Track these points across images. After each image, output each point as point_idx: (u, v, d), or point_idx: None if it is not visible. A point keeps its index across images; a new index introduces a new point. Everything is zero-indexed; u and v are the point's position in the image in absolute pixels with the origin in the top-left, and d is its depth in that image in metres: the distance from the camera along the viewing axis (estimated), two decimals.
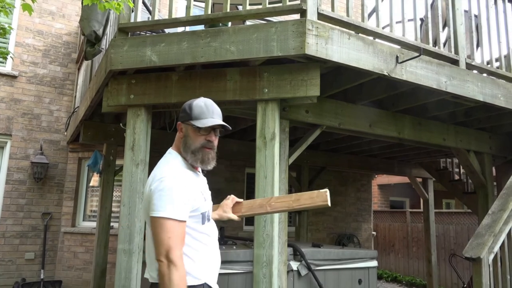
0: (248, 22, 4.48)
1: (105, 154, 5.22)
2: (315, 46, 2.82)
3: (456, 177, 6.98)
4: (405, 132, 4.23)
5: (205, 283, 1.79)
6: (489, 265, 3.07)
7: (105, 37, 3.80)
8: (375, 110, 4.06)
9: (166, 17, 3.43)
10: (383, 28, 3.36)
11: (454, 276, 7.82)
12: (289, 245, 3.73)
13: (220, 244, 2.05)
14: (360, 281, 4.18)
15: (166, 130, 4.87)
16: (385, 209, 11.53)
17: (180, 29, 4.31)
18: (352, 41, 2.99)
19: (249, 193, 7.09)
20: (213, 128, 1.85)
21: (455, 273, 7.51)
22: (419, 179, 7.78)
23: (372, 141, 5.58)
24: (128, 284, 3.13)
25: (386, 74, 3.12)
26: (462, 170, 6.86)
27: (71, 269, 6.45)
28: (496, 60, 4.13)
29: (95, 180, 6.92)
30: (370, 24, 3.29)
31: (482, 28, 4.00)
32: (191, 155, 1.83)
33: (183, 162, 1.86)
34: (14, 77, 6.71)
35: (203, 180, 1.97)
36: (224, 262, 2.33)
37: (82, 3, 3.27)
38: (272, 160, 3.03)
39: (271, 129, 3.06)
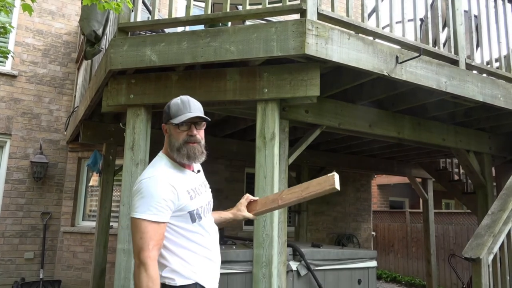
0: (248, 22, 4.48)
1: (105, 153, 5.22)
2: (315, 46, 2.82)
3: (456, 177, 6.98)
4: (404, 132, 4.23)
5: (197, 283, 1.79)
6: (488, 266, 3.07)
7: (105, 36, 3.80)
8: (375, 110, 4.06)
9: (166, 17, 3.43)
10: (383, 28, 3.36)
11: (453, 276, 7.82)
12: (288, 245, 3.73)
13: (219, 244, 2.03)
14: (359, 281, 4.18)
15: None
16: (385, 209, 11.53)
17: (180, 29, 4.31)
18: (352, 41, 2.99)
19: (249, 193, 7.06)
20: (193, 122, 1.85)
21: (455, 274, 7.52)
22: (419, 179, 7.78)
23: (372, 141, 5.58)
24: (127, 284, 3.13)
25: (386, 74, 3.12)
26: (461, 170, 6.86)
27: (71, 269, 6.45)
28: (496, 60, 4.13)
29: (94, 179, 6.91)
30: (370, 24, 3.29)
31: (482, 29, 4.00)
32: (176, 152, 1.84)
33: (168, 162, 1.86)
34: (14, 76, 6.70)
35: (195, 178, 1.94)
36: (223, 262, 2.32)
37: (81, 3, 3.27)
38: (272, 160, 3.03)
39: (270, 129, 3.06)
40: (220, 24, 3.72)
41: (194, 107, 1.86)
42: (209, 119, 1.89)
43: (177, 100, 1.88)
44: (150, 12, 3.73)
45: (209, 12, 3.20)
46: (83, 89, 5.55)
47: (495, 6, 4.13)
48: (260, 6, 3.13)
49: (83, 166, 6.89)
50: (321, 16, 2.98)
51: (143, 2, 4.00)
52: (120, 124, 4.43)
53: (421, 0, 3.69)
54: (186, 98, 1.89)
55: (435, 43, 3.89)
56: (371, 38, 3.25)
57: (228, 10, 3.13)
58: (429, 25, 3.63)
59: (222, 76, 3.20)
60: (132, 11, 3.39)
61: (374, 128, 4.02)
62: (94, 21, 3.61)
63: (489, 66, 4.03)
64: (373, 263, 4.34)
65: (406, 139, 4.36)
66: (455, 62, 3.66)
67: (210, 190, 2.06)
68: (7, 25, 4.26)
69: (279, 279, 3.12)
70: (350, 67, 3.02)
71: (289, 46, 2.84)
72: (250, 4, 3.35)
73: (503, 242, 3.25)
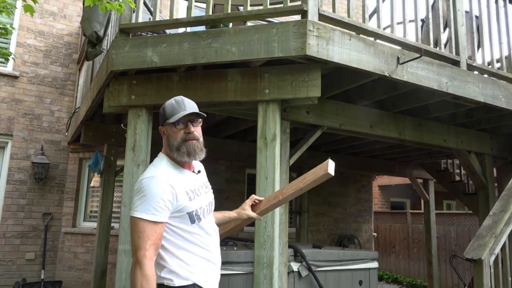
0: (249, 23, 4.49)
1: (106, 154, 5.22)
2: (316, 47, 2.82)
3: (457, 178, 6.97)
4: (406, 133, 4.22)
5: (195, 284, 1.79)
6: (490, 267, 3.07)
7: (106, 37, 3.80)
8: (376, 111, 4.06)
9: (167, 17, 3.43)
10: (384, 29, 3.36)
11: (455, 277, 7.80)
12: (289, 246, 3.72)
13: (220, 245, 2.03)
14: (360, 282, 4.17)
15: None
16: (386, 210, 11.52)
17: (181, 30, 4.32)
18: (353, 42, 2.99)
19: (250, 194, 7.04)
20: (189, 120, 1.87)
21: (456, 274, 7.51)
22: (420, 180, 7.77)
23: (373, 142, 5.58)
24: (128, 285, 3.13)
25: (387, 75, 3.12)
26: (463, 171, 6.85)
27: (72, 270, 6.45)
28: (497, 61, 4.12)
29: (95, 180, 6.92)
30: (371, 25, 3.29)
31: (483, 29, 4.00)
32: (176, 151, 1.85)
33: (168, 163, 1.87)
34: (15, 77, 6.72)
35: (195, 179, 1.94)
36: (224, 263, 2.33)
37: (83, 3, 3.27)
38: (273, 161, 3.03)
39: (272, 130, 3.06)
40: (221, 25, 3.72)
41: (188, 106, 1.88)
42: (205, 115, 1.91)
43: (171, 101, 1.91)
44: (151, 13, 3.74)
45: (210, 13, 3.21)
46: (84, 90, 5.56)
47: (496, 7, 4.13)
48: (261, 7, 3.13)
49: (84, 167, 6.89)
50: (322, 17, 2.98)
51: (145, 3, 4.00)
52: (122, 125, 4.44)
53: (422, 1, 3.69)
54: (180, 98, 1.91)
55: (436, 44, 3.89)
56: (372, 39, 3.26)
57: (229, 11, 3.14)
58: (430, 26, 3.63)
59: (223, 77, 3.20)
60: (134, 12, 3.39)
61: (375, 129, 4.01)
62: (96, 22, 3.62)
63: (490, 66, 4.02)
64: (374, 264, 4.33)
65: (407, 140, 4.35)
66: (456, 63, 3.66)
67: (211, 191, 2.06)
68: (8, 26, 4.28)
69: (280, 280, 3.12)
70: (351, 68, 3.02)
71: (290, 47, 2.84)
72: (251, 5, 3.35)
73: (504, 243, 3.25)
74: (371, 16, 4.98)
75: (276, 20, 4.57)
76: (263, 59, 2.96)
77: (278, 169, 3.06)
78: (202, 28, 3.80)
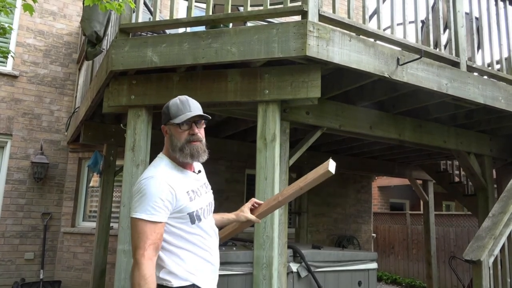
0: (249, 24, 4.49)
1: (105, 154, 5.22)
2: (316, 48, 2.82)
3: (456, 179, 6.97)
4: (405, 134, 4.23)
5: (194, 284, 1.78)
6: (489, 268, 3.07)
7: (106, 37, 3.80)
8: (376, 112, 4.06)
9: (167, 18, 3.43)
10: (384, 30, 3.36)
11: (454, 278, 7.81)
12: (289, 247, 3.72)
13: (219, 245, 2.03)
14: (360, 283, 4.17)
15: None
16: (385, 211, 11.52)
17: (181, 30, 4.32)
18: (353, 42, 2.99)
19: (249, 195, 7.08)
20: (193, 121, 1.86)
21: (455, 276, 7.51)
22: (419, 181, 7.77)
23: (373, 142, 5.58)
24: (127, 285, 3.13)
25: (387, 76, 3.12)
26: (462, 172, 6.85)
27: (71, 269, 6.44)
28: (497, 62, 4.12)
29: (95, 180, 6.91)
30: (371, 26, 3.29)
31: (483, 31, 4.00)
32: (179, 152, 1.83)
33: (169, 163, 1.86)
34: (15, 77, 6.71)
35: (196, 179, 1.94)
36: (223, 264, 2.33)
37: (83, 3, 3.27)
38: (273, 162, 3.03)
39: (271, 131, 3.06)
40: (222, 25, 3.72)
41: (193, 106, 1.87)
42: (210, 117, 1.90)
43: (176, 101, 1.89)
44: (151, 13, 3.74)
45: (211, 13, 3.21)
46: (84, 89, 5.56)
47: (496, 8, 4.13)
48: (261, 8, 3.13)
49: (83, 167, 6.89)
50: (322, 18, 2.98)
51: (145, 3, 4.00)
52: (121, 125, 4.44)
53: (422, 2, 3.69)
54: (184, 98, 1.90)
55: (436, 45, 3.89)
56: (372, 40, 3.26)
57: (229, 11, 3.13)
58: (430, 27, 3.63)
59: (223, 77, 3.20)
60: (134, 12, 3.39)
61: (375, 130, 4.01)
62: (96, 21, 3.62)
63: (490, 68, 4.03)
64: (374, 265, 4.33)
65: (407, 141, 4.35)
66: (456, 64, 3.66)
67: (211, 191, 2.05)
68: (6, 25, 4.27)
69: (280, 281, 3.12)
70: (351, 69, 3.02)
71: (290, 47, 2.84)
72: (251, 6, 3.35)
73: (504, 244, 3.25)
74: (371, 17, 4.99)
75: (276, 20, 4.58)
76: (263, 59, 2.96)
77: (278, 169, 3.06)
78: (202, 28, 3.80)
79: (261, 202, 2.20)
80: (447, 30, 3.86)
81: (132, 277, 1.64)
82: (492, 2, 4.11)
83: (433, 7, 4.00)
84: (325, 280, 3.96)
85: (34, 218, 6.54)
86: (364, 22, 3.23)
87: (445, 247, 8.29)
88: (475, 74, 3.80)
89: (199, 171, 2.01)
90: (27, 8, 3.30)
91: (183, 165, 1.89)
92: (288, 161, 3.38)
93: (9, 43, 6.74)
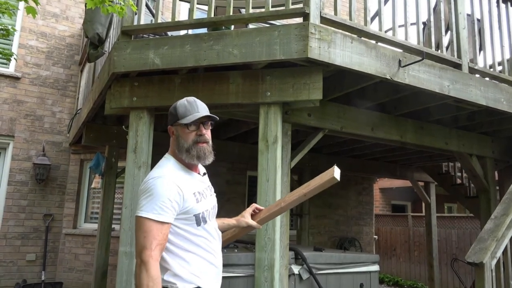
0: (251, 26, 4.50)
1: (107, 156, 5.22)
2: (317, 50, 2.82)
3: (458, 181, 6.96)
4: (407, 136, 4.22)
5: (199, 287, 1.77)
6: (491, 270, 3.05)
7: (108, 39, 3.81)
8: (377, 114, 4.06)
9: (169, 20, 3.44)
10: (385, 32, 3.36)
11: (456, 280, 7.78)
12: (290, 249, 3.72)
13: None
14: (361, 286, 4.16)
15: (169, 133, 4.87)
16: (387, 213, 11.50)
17: (182, 32, 4.32)
18: (354, 44, 2.99)
19: (251, 196, 7.08)
20: (201, 122, 1.85)
21: (457, 278, 7.48)
22: (421, 183, 7.76)
23: (374, 144, 5.57)
24: (129, 287, 3.13)
25: (389, 78, 3.12)
26: (464, 174, 6.84)
27: (72, 271, 6.44)
28: (499, 64, 4.12)
29: (96, 182, 6.92)
30: (373, 27, 3.29)
31: (485, 32, 4.00)
32: (186, 153, 1.83)
33: (176, 164, 1.85)
34: (17, 78, 6.73)
35: (201, 181, 1.94)
36: (225, 266, 2.32)
37: (85, 5, 3.28)
38: (274, 163, 3.02)
39: (273, 132, 3.06)
40: (223, 27, 3.72)
41: (201, 107, 1.87)
42: (218, 118, 1.90)
43: (183, 101, 1.88)
44: (153, 15, 3.75)
45: (212, 15, 3.21)
46: (86, 91, 5.57)
47: (498, 10, 4.13)
48: (263, 10, 3.13)
49: (85, 168, 6.90)
50: (324, 20, 2.98)
51: (147, 6, 4.01)
52: (123, 126, 4.44)
53: (424, 4, 3.69)
54: (192, 99, 1.90)
55: (438, 47, 3.89)
56: (373, 41, 3.26)
57: (231, 13, 3.14)
58: (432, 29, 3.63)
59: (225, 79, 3.21)
60: (136, 14, 3.40)
61: (376, 132, 4.01)
62: (98, 24, 3.63)
63: (492, 70, 4.02)
64: (376, 267, 4.32)
65: (408, 142, 4.35)
66: (458, 66, 3.66)
67: (214, 194, 2.05)
68: (9, 27, 4.29)
69: (281, 283, 3.11)
70: (352, 71, 3.02)
71: (292, 49, 2.84)
72: (253, 8, 3.36)
73: (506, 247, 3.24)
74: (372, 19, 4.99)
75: (278, 22, 4.58)
76: (265, 61, 2.97)
77: (280, 171, 3.06)
78: (204, 30, 3.80)
79: (262, 207, 2.18)
80: (449, 32, 3.85)
81: (138, 278, 1.60)
82: (494, 4, 4.11)
83: (434, 8, 4.00)
84: (326, 282, 3.95)
85: (35, 219, 6.55)
86: (365, 24, 3.22)
87: (447, 249, 8.27)
88: (477, 76, 3.80)
89: (204, 173, 2.01)
90: (30, 10, 3.31)
91: (189, 166, 1.88)
92: (290, 163, 3.38)
93: (11, 45, 6.77)
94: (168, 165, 1.84)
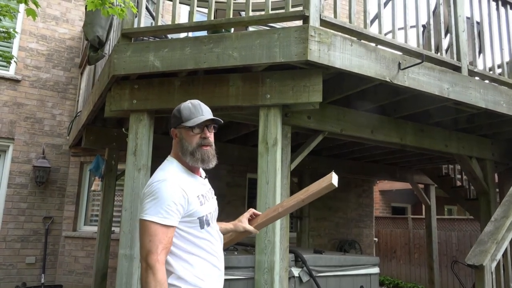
0: (250, 28, 4.50)
1: (107, 158, 5.22)
2: (317, 52, 2.83)
3: (458, 183, 6.96)
4: (407, 138, 4.22)
5: None
6: (491, 273, 3.05)
7: (108, 42, 3.82)
8: (377, 116, 4.06)
9: (169, 22, 3.45)
10: (385, 34, 3.37)
11: (456, 283, 7.77)
12: (290, 251, 3.72)
13: None
14: None
15: (169, 135, 4.87)
16: (387, 215, 11.50)
17: (182, 35, 4.33)
18: (354, 47, 3.00)
19: (251, 199, 7.08)
20: (205, 125, 1.85)
21: (457, 280, 7.47)
22: (421, 185, 7.76)
23: (374, 147, 5.57)
24: None
25: (389, 80, 3.13)
26: (464, 177, 6.84)
27: (72, 274, 6.43)
28: (498, 66, 4.12)
29: (96, 184, 6.92)
30: (373, 30, 3.30)
31: (484, 35, 4.01)
32: (190, 156, 1.82)
33: (179, 166, 1.85)
34: (17, 81, 6.74)
35: (203, 184, 1.94)
36: (225, 268, 2.31)
37: (85, 8, 3.29)
38: (274, 166, 3.03)
39: (273, 135, 3.06)
40: (223, 30, 3.73)
41: (205, 110, 1.87)
42: (222, 121, 1.90)
43: (187, 104, 1.88)
44: (153, 18, 3.76)
45: (212, 18, 3.22)
46: (86, 94, 5.57)
47: (498, 13, 4.14)
48: (263, 13, 3.14)
49: (85, 171, 6.90)
50: (324, 23, 2.99)
51: (147, 8, 4.02)
52: (123, 129, 4.45)
53: (424, 7, 3.70)
54: (196, 101, 1.90)
55: (438, 49, 3.90)
56: (373, 44, 3.26)
57: (231, 16, 3.15)
58: (432, 32, 3.64)
59: (224, 82, 3.21)
60: (136, 17, 3.41)
61: (376, 134, 4.01)
62: (98, 26, 3.64)
63: (491, 72, 4.03)
64: (376, 270, 4.32)
65: (408, 145, 4.35)
66: (457, 69, 3.66)
67: (215, 197, 2.05)
68: (11, 30, 4.30)
69: (281, 286, 3.11)
70: (352, 73, 3.02)
71: (291, 52, 2.85)
72: (253, 11, 3.37)
73: (506, 249, 3.24)
74: (372, 21, 4.99)
75: (277, 25, 4.59)
76: (265, 64, 2.97)
77: (279, 173, 3.06)
78: (204, 33, 3.81)
79: (260, 213, 2.17)
80: (448, 35, 3.86)
81: (145, 282, 1.60)
82: (493, 7, 4.12)
83: (434, 11, 4.01)
84: (327, 285, 3.94)
85: (35, 222, 6.55)
86: (365, 26, 3.23)
87: (447, 251, 8.26)
88: (477, 78, 3.80)
89: (206, 176, 2.01)
90: (30, 12, 3.32)
91: (192, 169, 1.88)
92: (290, 166, 3.38)
93: (11, 48, 6.78)
94: (171, 168, 1.83)
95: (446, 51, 4.09)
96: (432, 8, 3.70)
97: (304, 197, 2.00)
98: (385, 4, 4.38)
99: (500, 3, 4.12)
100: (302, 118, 3.51)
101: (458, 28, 3.78)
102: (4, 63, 6.01)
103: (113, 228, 5.44)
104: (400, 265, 9.54)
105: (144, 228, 1.67)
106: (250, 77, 3.16)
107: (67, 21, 7.29)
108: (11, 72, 6.77)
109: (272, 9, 3.19)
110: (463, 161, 4.68)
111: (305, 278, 3.78)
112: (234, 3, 3.29)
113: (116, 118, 4.62)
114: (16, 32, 4.31)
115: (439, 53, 3.69)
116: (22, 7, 6.36)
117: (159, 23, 3.32)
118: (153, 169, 2.30)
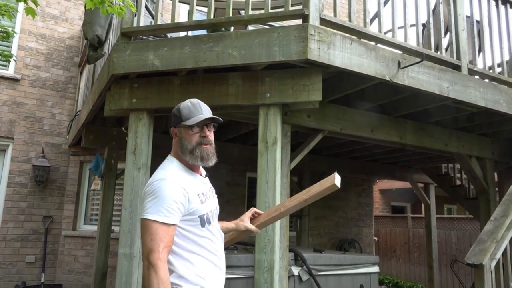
0: (250, 27, 4.50)
1: (107, 157, 5.22)
2: (317, 51, 2.83)
3: (458, 182, 6.96)
4: (407, 137, 4.22)
5: None
6: (491, 272, 3.05)
7: (108, 41, 3.81)
8: (377, 115, 4.06)
9: (169, 21, 3.44)
10: (385, 33, 3.36)
11: (456, 282, 7.78)
12: (290, 250, 3.72)
13: None
14: (361, 287, 4.16)
15: (168, 134, 4.87)
16: (387, 214, 11.51)
17: (182, 34, 4.33)
18: (354, 46, 3.00)
19: (250, 198, 7.08)
20: (205, 124, 1.86)
21: (457, 279, 7.48)
22: (421, 184, 7.76)
23: (374, 146, 5.57)
24: None
25: (388, 79, 3.12)
26: (464, 176, 6.84)
27: (72, 273, 6.43)
28: (498, 65, 4.12)
29: (96, 183, 6.92)
30: (372, 29, 3.29)
31: (484, 34, 4.00)
32: (189, 155, 1.83)
33: (179, 165, 1.86)
34: (17, 80, 6.73)
35: (204, 182, 1.94)
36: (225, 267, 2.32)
37: (85, 7, 3.28)
38: (274, 165, 3.02)
39: (273, 134, 3.06)
40: (223, 29, 3.73)
41: (205, 109, 1.87)
42: (221, 120, 1.90)
43: (187, 103, 1.89)
44: (152, 17, 3.75)
45: (212, 17, 3.21)
46: (85, 93, 5.57)
47: (497, 12, 4.13)
48: (262, 11, 3.14)
49: (85, 170, 6.89)
50: (323, 21, 2.99)
51: (146, 7, 4.01)
52: (123, 128, 4.44)
53: (423, 6, 3.69)
54: (196, 100, 1.91)
55: (437, 48, 3.90)
56: (373, 43, 3.26)
57: (230, 15, 3.14)
58: (431, 31, 3.64)
59: (224, 80, 3.21)
60: (135, 15, 3.40)
61: (376, 133, 4.01)
62: (97, 25, 3.63)
63: (491, 71, 4.03)
64: (375, 269, 4.32)
65: (408, 144, 4.35)
66: (457, 67, 3.66)
67: (216, 196, 2.05)
68: (9, 29, 4.29)
69: (281, 285, 3.11)
70: (352, 72, 3.02)
71: (291, 51, 2.85)
72: (252, 9, 3.36)
73: (506, 248, 3.24)
74: (372, 20, 5.00)
75: (277, 24, 4.58)
76: (264, 63, 2.97)
77: (279, 172, 3.06)
78: (203, 32, 3.81)
79: (261, 212, 2.17)
80: (448, 33, 3.86)
81: (148, 281, 1.60)
82: (493, 5, 4.11)
83: (434, 10, 4.01)
84: (326, 283, 3.95)
85: (35, 221, 6.54)
86: (365, 25, 3.23)
87: (447, 250, 8.27)
88: (476, 77, 3.80)
89: (206, 175, 2.01)
90: (29, 11, 3.31)
91: (192, 168, 1.89)
92: (290, 164, 3.38)
93: (11, 47, 6.77)
94: (171, 166, 1.84)
95: (446, 50, 4.09)
96: (432, 6, 3.70)
97: (306, 197, 2.00)
98: (385, 3, 4.38)
99: (499, 2, 4.12)
100: (302, 117, 3.51)
101: (458, 27, 3.78)
102: (4, 62, 6.00)
103: (112, 227, 5.44)
104: (399, 264, 9.55)
105: (145, 227, 1.67)
106: (249, 76, 3.16)
107: (67, 20, 7.28)
108: (10, 71, 6.76)
109: (271, 8, 3.19)
110: (463, 160, 4.68)
111: (305, 277, 3.78)
112: (233, 2, 3.29)
113: (115, 117, 4.61)
114: (15, 32, 4.30)
115: (439, 52, 3.69)
116: (21, 6, 6.35)
117: (159, 22, 3.32)
118: (152, 168, 2.30)
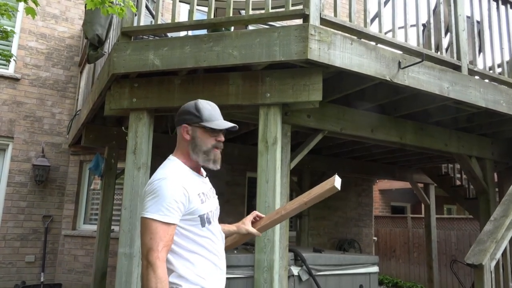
0: (250, 27, 4.50)
1: (107, 157, 5.22)
2: (317, 51, 2.83)
3: (458, 182, 6.96)
4: (407, 137, 4.22)
5: None
6: (491, 272, 3.05)
7: (108, 40, 3.81)
8: (377, 115, 4.06)
9: (169, 21, 3.44)
10: (385, 33, 3.36)
11: (455, 282, 7.78)
12: (290, 250, 3.72)
13: None
14: (361, 287, 4.16)
15: (168, 134, 4.87)
16: (386, 214, 11.51)
17: (182, 33, 4.33)
18: (354, 46, 3.00)
19: (250, 198, 7.08)
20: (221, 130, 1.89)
21: (457, 279, 7.48)
22: (421, 185, 7.76)
23: (374, 146, 5.57)
24: None
25: (389, 79, 3.12)
26: (463, 176, 6.84)
27: (71, 272, 6.43)
28: (498, 66, 4.12)
29: (96, 183, 6.91)
30: (373, 29, 3.29)
31: (484, 34, 4.01)
32: (203, 155, 1.84)
33: (181, 165, 1.85)
34: (16, 79, 6.73)
35: (204, 182, 1.95)
36: None
37: (85, 7, 3.29)
38: (274, 165, 3.02)
39: (273, 134, 3.06)
40: (223, 28, 3.73)
41: (220, 114, 1.91)
42: (237, 127, 1.93)
43: (206, 104, 1.89)
44: (153, 16, 3.75)
45: (212, 16, 3.21)
46: (85, 92, 5.57)
47: (498, 12, 4.14)
48: (263, 11, 3.14)
49: (85, 169, 6.89)
50: (324, 21, 2.99)
51: (146, 7, 4.01)
52: (123, 127, 4.45)
53: (424, 6, 3.70)
54: (212, 103, 1.93)
55: (438, 48, 3.90)
56: (373, 43, 3.26)
57: (231, 14, 3.14)
58: (432, 31, 3.64)
59: (224, 80, 3.21)
60: (136, 15, 3.40)
61: (376, 133, 4.01)
62: (98, 25, 3.63)
63: (491, 71, 4.03)
64: (375, 269, 4.32)
65: (408, 144, 4.35)
66: (457, 68, 3.66)
67: (216, 196, 2.05)
68: (9, 29, 4.29)
69: (281, 284, 3.11)
70: (352, 72, 3.02)
71: (291, 51, 2.85)
72: (253, 9, 3.36)
73: (505, 248, 3.24)
74: (372, 20, 4.99)
75: (277, 24, 4.59)
76: (265, 63, 2.97)
77: (279, 172, 3.06)
78: (203, 31, 3.81)
79: (263, 215, 2.18)
80: (449, 34, 3.86)
81: (146, 280, 1.60)
82: (494, 6, 4.11)
83: (434, 10, 4.01)
84: (326, 283, 3.95)
85: (35, 220, 6.54)
86: (365, 25, 3.23)
87: (447, 250, 8.27)
88: (477, 77, 3.80)
89: (206, 175, 2.02)
90: (29, 11, 3.31)
91: (194, 168, 1.89)
92: (289, 164, 3.38)
93: (11, 46, 6.77)
94: (172, 166, 1.84)
95: (446, 50, 4.09)
96: (432, 7, 3.70)
97: (307, 200, 2.01)
98: (385, 3, 4.38)
99: (500, 2, 4.12)
100: (302, 117, 3.51)
101: (458, 27, 3.78)
102: (4, 62, 6.00)
103: (112, 227, 5.43)
104: (399, 264, 9.55)
105: (145, 226, 1.67)
106: (250, 76, 3.16)
107: (67, 19, 7.28)
108: (10, 70, 6.76)
109: (272, 8, 3.19)
110: (463, 160, 4.69)
111: (305, 277, 3.79)
112: (234, 1, 3.29)
113: (115, 116, 4.62)
114: (14, 32, 4.30)
115: (439, 52, 3.69)
116: (21, 5, 6.35)
117: (159, 22, 3.32)
118: (152, 168, 2.31)
